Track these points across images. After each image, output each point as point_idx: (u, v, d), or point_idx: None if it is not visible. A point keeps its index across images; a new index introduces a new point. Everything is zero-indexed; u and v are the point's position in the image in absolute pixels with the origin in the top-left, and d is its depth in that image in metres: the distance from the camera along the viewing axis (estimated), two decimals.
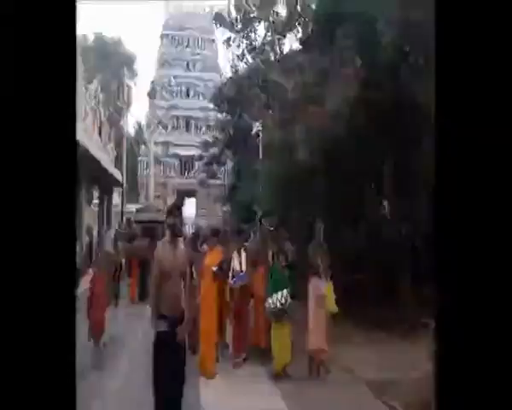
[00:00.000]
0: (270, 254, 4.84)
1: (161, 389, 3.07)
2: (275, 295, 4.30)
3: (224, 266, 4.71)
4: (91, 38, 31.29)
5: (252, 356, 4.82)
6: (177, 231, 3.26)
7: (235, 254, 4.90)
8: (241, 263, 4.86)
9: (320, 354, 4.33)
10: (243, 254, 4.92)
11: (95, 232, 16.65)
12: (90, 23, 61.34)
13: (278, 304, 4.28)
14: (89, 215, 16.20)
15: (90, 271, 10.35)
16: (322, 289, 4.44)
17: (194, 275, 4.84)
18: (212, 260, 4.65)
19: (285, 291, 4.31)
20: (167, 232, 3.29)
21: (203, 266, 4.64)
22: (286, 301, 4.30)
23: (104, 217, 17.71)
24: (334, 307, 4.55)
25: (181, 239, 3.42)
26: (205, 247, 5.25)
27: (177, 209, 3.35)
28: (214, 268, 4.56)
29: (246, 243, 5.34)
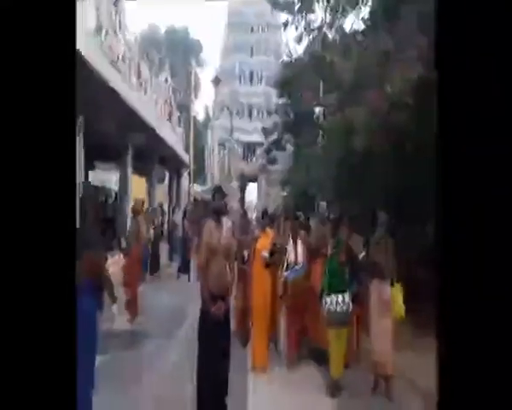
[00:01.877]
0: (330, 246, 4.27)
1: (205, 367, 3.12)
2: (333, 297, 3.76)
3: (276, 252, 4.35)
4: (162, 29, 32.97)
5: (308, 356, 4.46)
6: (221, 212, 3.39)
7: (290, 243, 4.48)
8: (296, 253, 4.45)
9: (384, 369, 3.76)
10: (300, 244, 4.50)
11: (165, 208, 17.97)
12: (160, 15, 64.43)
13: (338, 308, 3.74)
14: (160, 193, 17.49)
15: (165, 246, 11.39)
16: (387, 293, 3.81)
17: (246, 258, 4.73)
18: (261, 244, 4.38)
19: (346, 295, 3.77)
20: (212, 213, 3.41)
21: (254, 250, 4.43)
22: (348, 306, 3.76)
23: (173, 196, 18.97)
24: (402, 314, 3.90)
25: (226, 220, 3.48)
26: (256, 231, 5.05)
27: (220, 191, 3.46)
28: (264, 253, 4.28)
29: (303, 232, 4.89)
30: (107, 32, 8.09)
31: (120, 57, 8.96)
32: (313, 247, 4.58)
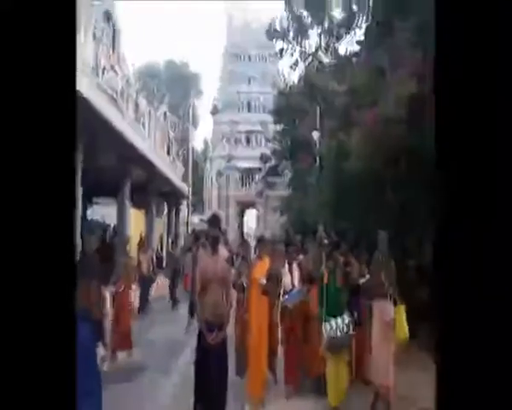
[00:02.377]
0: (327, 270, 4.14)
1: (202, 396, 3.11)
2: (333, 321, 3.68)
3: (273, 279, 4.22)
4: (161, 63, 33.93)
5: (306, 385, 4.25)
6: (216, 240, 3.43)
7: (286, 269, 4.44)
8: (293, 279, 4.40)
9: (384, 391, 3.61)
10: (296, 269, 4.46)
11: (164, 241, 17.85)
12: (160, 49, 66.77)
13: (338, 332, 3.65)
14: (159, 226, 17.48)
15: (161, 277, 11.16)
16: (390, 314, 3.70)
17: (245, 286, 4.52)
18: (259, 271, 4.26)
19: (346, 317, 3.69)
20: (208, 241, 3.44)
21: (251, 278, 4.29)
22: (348, 329, 3.66)
23: (172, 227, 18.91)
24: (406, 335, 3.77)
25: (222, 248, 3.53)
26: (252, 257, 4.86)
27: (216, 220, 3.48)
28: (261, 280, 4.15)
29: (300, 257, 4.86)
30: (104, 69, 8.19)
31: (119, 93, 9.05)
32: (310, 272, 4.44)
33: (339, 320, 3.67)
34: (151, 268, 8.78)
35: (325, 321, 3.70)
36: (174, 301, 9.25)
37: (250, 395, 3.98)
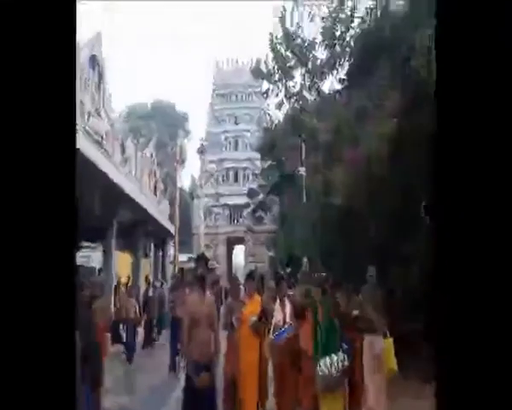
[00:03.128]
0: (321, 305, 3.98)
1: None
2: (327, 359, 3.49)
3: (266, 317, 4.05)
4: (148, 104, 34.68)
5: None
6: (203, 280, 3.40)
7: (277, 305, 4.22)
8: (284, 315, 4.17)
9: None
10: (287, 305, 4.23)
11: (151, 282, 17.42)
12: (148, 90, 68.50)
13: (333, 370, 3.45)
14: (146, 266, 17.14)
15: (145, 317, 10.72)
16: (379, 348, 3.65)
17: (235, 325, 4.32)
18: (251, 309, 4.07)
19: (341, 354, 3.51)
20: (196, 281, 3.47)
21: (242, 317, 4.11)
22: (343, 366, 3.47)
23: (159, 268, 18.57)
24: (394, 367, 3.69)
25: (208, 288, 3.49)
26: (242, 296, 4.60)
27: (202, 260, 3.46)
28: (252, 318, 3.96)
29: (290, 292, 4.63)
30: (90, 114, 8.31)
31: (104, 136, 9.15)
32: (300, 307, 4.28)
33: (334, 357, 3.50)
34: (137, 312, 8.33)
35: (320, 358, 3.54)
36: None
37: None
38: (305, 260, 4.85)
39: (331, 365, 3.46)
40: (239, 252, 28.95)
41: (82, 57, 7.94)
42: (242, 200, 24.93)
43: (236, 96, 29.88)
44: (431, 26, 5.36)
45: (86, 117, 8.09)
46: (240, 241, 27.50)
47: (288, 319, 4.16)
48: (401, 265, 6.20)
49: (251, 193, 19.68)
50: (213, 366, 3.22)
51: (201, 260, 3.56)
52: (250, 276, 4.53)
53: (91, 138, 8.19)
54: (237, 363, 4.01)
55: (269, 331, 4.09)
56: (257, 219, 19.71)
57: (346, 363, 3.51)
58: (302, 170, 10.48)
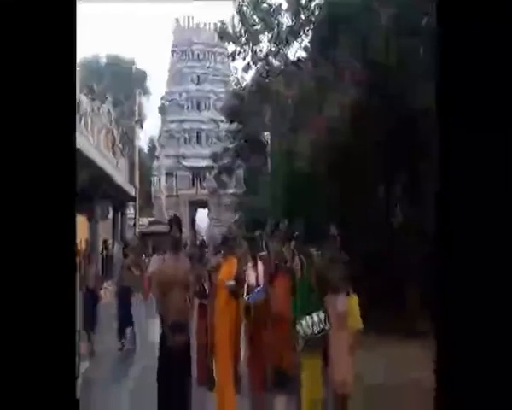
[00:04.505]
0: (297, 264, 3.84)
1: (166, 402, 3.10)
2: (308, 319, 3.42)
3: (242, 280, 3.92)
4: (104, 59, 32.36)
5: (275, 386, 3.86)
6: (178, 243, 3.41)
7: (249, 266, 4.14)
8: (257, 276, 4.10)
9: (345, 388, 3.44)
10: (260, 266, 4.14)
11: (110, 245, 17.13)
12: (103, 44, 63.62)
13: (315, 330, 3.39)
14: (104, 229, 16.68)
15: (106, 284, 10.54)
16: (342, 306, 3.59)
17: (206, 291, 4.28)
18: (225, 273, 3.89)
19: (322, 314, 3.44)
20: (170, 245, 3.41)
21: (216, 281, 3.93)
22: (324, 326, 3.40)
23: (118, 231, 18.20)
24: (359, 324, 3.64)
25: (182, 251, 3.54)
26: (216, 258, 4.52)
27: (175, 222, 3.42)
28: (230, 282, 3.81)
29: (261, 254, 4.48)
30: None
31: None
32: (273, 267, 4.24)
33: (315, 317, 3.41)
34: (96, 280, 7.08)
35: (300, 319, 3.43)
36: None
37: (220, 406, 3.74)
38: (282, 223, 4.78)
39: (312, 325, 3.39)
40: (201, 215, 29.02)
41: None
42: (205, 162, 24.69)
43: (198, 55, 28.74)
44: (394, 5, 5.61)
45: None
46: (202, 204, 27.50)
47: (261, 281, 4.07)
48: (359, 230, 6.71)
49: (215, 156, 19.53)
50: (188, 326, 3.32)
51: (175, 222, 3.57)
52: (227, 238, 4.39)
53: None
54: (213, 328, 3.89)
55: (242, 294, 3.99)
56: (220, 182, 19.75)
57: (326, 322, 3.44)
58: (267, 135, 10.65)
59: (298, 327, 3.43)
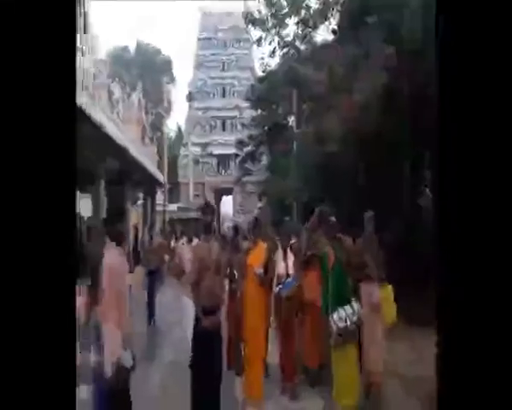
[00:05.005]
0: (331, 252, 3.53)
1: (198, 382, 3.22)
2: (341, 311, 3.19)
3: (271, 268, 3.76)
4: (132, 49, 32.93)
5: (306, 381, 3.90)
6: (208, 228, 3.51)
7: (279, 255, 4.01)
8: (287, 265, 3.99)
9: (376, 378, 3.29)
10: (290, 254, 4.02)
11: (140, 232, 17.75)
12: (129, 34, 64.43)
13: (349, 322, 3.17)
14: (134, 215, 17.25)
15: (137, 268, 10.97)
16: (376, 295, 3.41)
17: (237, 277, 4.15)
18: (255, 258, 3.73)
19: (355, 305, 3.25)
20: (203, 230, 3.53)
21: (245, 267, 3.78)
22: (358, 317, 3.20)
23: (148, 217, 18.78)
24: (393, 316, 3.46)
25: (214, 236, 3.60)
26: (246, 244, 4.34)
27: (207, 207, 3.58)
28: (258, 270, 3.65)
29: (291, 241, 4.28)
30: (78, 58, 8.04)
31: (91, 81, 8.90)
32: (305, 256, 4.02)
33: (348, 308, 3.20)
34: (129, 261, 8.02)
35: (332, 311, 3.22)
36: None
37: (248, 392, 3.64)
38: (307, 207, 4.55)
39: (345, 317, 3.18)
40: (226, 202, 29.34)
41: None
42: (230, 150, 24.85)
43: (224, 41, 28.66)
44: None
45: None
46: (228, 191, 27.76)
47: (291, 270, 3.95)
48: (389, 214, 6.59)
49: (239, 143, 19.61)
50: (219, 310, 3.38)
51: (207, 208, 3.71)
52: (256, 222, 4.15)
53: (79, 84, 7.99)
54: (242, 315, 3.78)
55: (272, 284, 3.84)
56: (246, 169, 19.86)
57: (360, 314, 3.23)
58: (293, 119, 10.61)
59: (330, 320, 3.24)
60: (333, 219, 3.60)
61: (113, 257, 2.35)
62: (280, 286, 3.88)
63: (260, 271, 3.66)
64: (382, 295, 3.45)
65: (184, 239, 5.07)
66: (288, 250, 4.09)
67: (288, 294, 3.83)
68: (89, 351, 2.54)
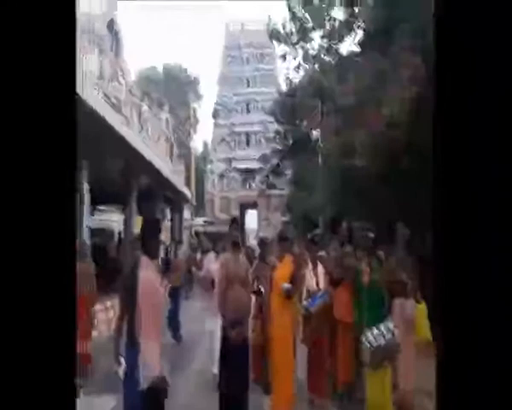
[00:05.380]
0: (366, 268, 3.43)
1: (226, 393, 3.28)
2: (375, 330, 3.07)
3: (298, 283, 3.68)
4: (160, 68, 34.16)
5: (334, 398, 3.79)
6: (235, 243, 3.57)
7: (308, 269, 3.90)
8: (317, 280, 3.90)
9: (408, 396, 3.15)
10: (320, 268, 3.92)
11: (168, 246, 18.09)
12: (157, 54, 67.12)
13: (382, 341, 3.03)
14: (163, 230, 17.61)
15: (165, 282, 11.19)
16: (411, 311, 3.30)
17: (262, 291, 4.06)
18: (282, 273, 3.66)
19: (389, 323, 3.11)
20: (228, 244, 3.59)
21: (272, 281, 3.73)
22: (392, 336, 3.05)
23: (176, 231, 19.13)
24: (427, 336, 3.28)
25: (241, 250, 3.66)
26: (272, 258, 4.26)
27: (234, 222, 3.63)
28: (286, 285, 3.56)
29: (320, 254, 4.20)
30: (109, 80, 8.40)
31: (122, 101, 9.26)
32: (336, 271, 3.89)
33: (382, 327, 3.06)
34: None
35: (367, 328, 3.11)
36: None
37: None
38: (336, 220, 4.46)
39: (379, 336, 3.04)
40: (251, 216, 29.38)
41: (99, 23, 7.96)
42: (255, 164, 24.97)
43: (248, 58, 29.16)
44: None
45: (106, 82, 8.22)
46: (252, 205, 27.82)
47: (321, 285, 3.84)
48: (421, 229, 6.30)
49: (264, 158, 19.69)
50: (246, 322, 3.43)
51: (234, 223, 3.77)
52: (283, 237, 4.07)
53: (111, 104, 8.32)
54: (268, 331, 3.73)
55: (300, 298, 3.74)
56: (269, 184, 19.87)
57: (396, 333, 3.06)
58: (318, 133, 10.52)
59: (363, 339, 3.09)
60: (370, 234, 3.49)
61: (148, 272, 2.35)
62: (309, 301, 3.79)
63: (287, 286, 3.59)
64: (416, 312, 3.34)
65: (212, 253, 5.11)
66: (318, 263, 4.02)
67: (316, 310, 3.73)
68: (119, 363, 2.61)
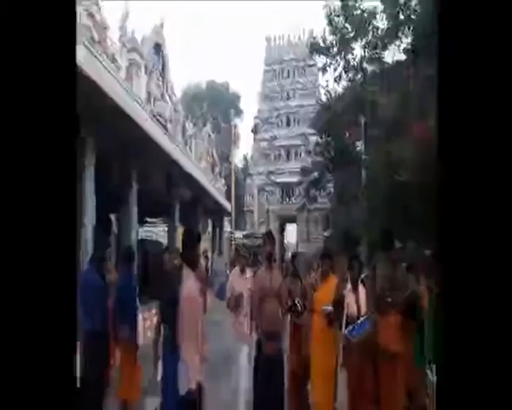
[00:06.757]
0: (423, 293, 3.05)
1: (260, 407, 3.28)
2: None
3: (341, 305, 3.33)
4: (203, 85, 35.38)
5: None
6: (270, 257, 3.55)
7: (349, 291, 3.43)
8: (359, 304, 3.41)
9: None
10: (362, 290, 3.44)
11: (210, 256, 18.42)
12: (201, 71, 69.68)
13: None
14: (204, 241, 18.05)
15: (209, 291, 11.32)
16: None
17: (299, 308, 3.66)
18: (324, 294, 3.38)
19: None
20: (263, 259, 3.60)
21: (313, 303, 3.48)
22: None
23: (217, 243, 19.49)
24: None
25: (275, 264, 3.67)
26: (313, 276, 3.97)
27: (269, 237, 3.59)
28: (328, 308, 3.28)
29: (363, 275, 3.70)
30: (155, 99, 8.81)
31: (168, 119, 9.65)
32: (386, 295, 3.41)
33: None
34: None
35: (431, 361, 2.78)
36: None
37: None
38: (387, 237, 3.71)
39: None
40: (290, 230, 29.08)
41: (147, 46, 8.36)
42: (294, 178, 24.77)
43: (288, 71, 29.33)
44: None
45: (152, 101, 8.59)
46: (291, 219, 27.55)
47: (364, 310, 3.38)
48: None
49: (304, 171, 19.45)
50: (281, 337, 3.39)
51: (269, 237, 3.69)
52: (327, 254, 3.76)
53: (158, 122, 8.70)
54: (308, 356, 3.47)
55: (340, 325, 3.36)
56: (309, 197, 19.54)
57: None
58: (360, 145, 10.19)
59: (428, 372, 2.75)
60: (427, 253, 3.24)
61: (191, 283, 2.37)
62: (351, 328, 3.33)
63: (329, 309, 3.37)
64: None
65: (236, 268, 4.65)
66: (361, 285, 3.54)
67: (359, 339, 3.30)
68: (156, 367, 2.70)
